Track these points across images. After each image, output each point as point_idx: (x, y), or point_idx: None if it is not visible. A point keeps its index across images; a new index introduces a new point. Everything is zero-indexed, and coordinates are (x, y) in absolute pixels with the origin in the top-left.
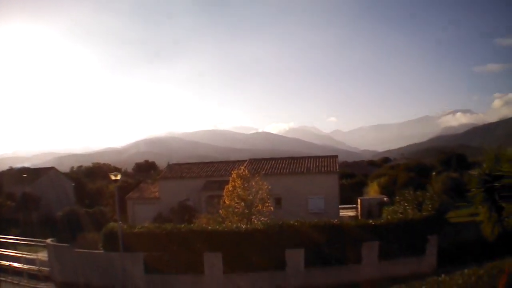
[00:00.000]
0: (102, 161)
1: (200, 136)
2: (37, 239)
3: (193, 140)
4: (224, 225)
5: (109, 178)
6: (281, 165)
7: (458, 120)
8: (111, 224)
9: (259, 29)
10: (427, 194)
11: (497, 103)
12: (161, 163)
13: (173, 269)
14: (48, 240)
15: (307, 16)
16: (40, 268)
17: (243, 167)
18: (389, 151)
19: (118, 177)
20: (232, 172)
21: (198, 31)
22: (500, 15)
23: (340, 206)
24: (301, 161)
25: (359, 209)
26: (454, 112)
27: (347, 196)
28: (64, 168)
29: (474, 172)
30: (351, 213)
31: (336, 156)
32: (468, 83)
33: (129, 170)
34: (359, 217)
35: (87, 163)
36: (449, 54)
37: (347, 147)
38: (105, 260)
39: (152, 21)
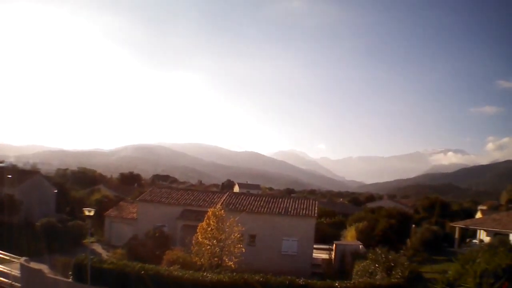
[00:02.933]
0: (90, 161)
1: (189, 149)
2: (12, 255)
3: (181, 152)
4: (195, 260)
5: (95, 184)
6: (260, 203)
7: (449, 159)
8: (82, 256)
9: (257, 49)
10: (400, 258)
11: (490, 146)
12: (148, 170)
13: None
14: (22, 260)
15: (305, 43)
16: (13, 283)
17: (219, 205)
18: (376, 184)
19: (92, 213)
20: (209, 209)
21: (200, 44)
22: (504, 56)
23: (315, 246)
24: (280, 200)
25: (333, 253)
26: (445, 151)
27: (324, 235)
28: (52, 161)
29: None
30: (325, 255)
31: (315, 200)
32: (462, 124)
33: (115, 175)
34: (332, 262)
35: (75, 162)
36: (446, 92)
37: (334, 175)
38: None
39: (155, 28)
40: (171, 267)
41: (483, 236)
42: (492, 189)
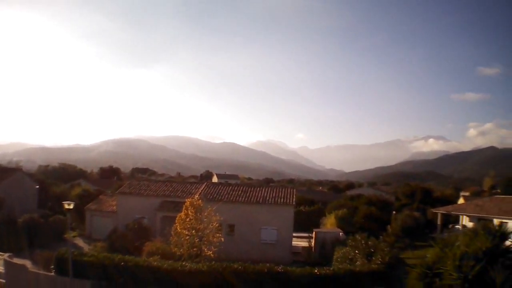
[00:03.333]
0: (70, 157)
1: (168, 141)
2: None
3: (161, 145)
4: (174, 251)
5: (75, 179)
6: (238, 192)
7: (430, 146)
8: (63, 249)
9: (235, 42)
10: (380, 244)
11: (472, 132)
12: (128, 164)
13: None
14: (6, 256)
15: (283, 35)
16: None
17: (197, 196)
18: (356, 172)
19: (71, 206)
20: (187, 199)
21: (178, 38)
22: (487, 43)
23: (294, 234)
24: (258, 189)
25: (313, 241)
26: (426, 138)
27: (304, 223)
28: (34, 158)
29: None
30: (304, 243)
31: (293, 188)
32: (444, 110)
33: (96, 170)
34: (313, 250)
35: (56, 158)
36: (427, 80)
37: (314, 164)
38: (55, 284)
39: (133, 23)
40: (151, 258)
41: (465, 222)
42: (474, 176)
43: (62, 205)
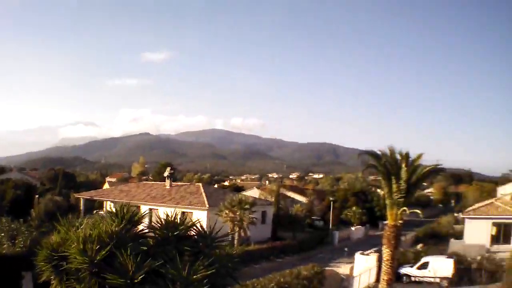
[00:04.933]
0: None
1: None
2: None
3: None
4: None
5: None
6: None
7: (80, 132)
8: None
9: None
10: (22, 228)
11: (125, 118)
12: None
13: None
14: None
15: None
16: None
17: None
18: (10, 157)
19: None
20: None
21: None
22: (151, 28)
23: None
24: None
25: None
26: (76, 123)
27: None
28: None
29: None
30: None
31: None
32: (97, 96)
33: None
34: None
35: None
36: (84, 65)
37: None
38: None
39: None
40: None
41: (110, 208)
42: (124, 162)
43: None
